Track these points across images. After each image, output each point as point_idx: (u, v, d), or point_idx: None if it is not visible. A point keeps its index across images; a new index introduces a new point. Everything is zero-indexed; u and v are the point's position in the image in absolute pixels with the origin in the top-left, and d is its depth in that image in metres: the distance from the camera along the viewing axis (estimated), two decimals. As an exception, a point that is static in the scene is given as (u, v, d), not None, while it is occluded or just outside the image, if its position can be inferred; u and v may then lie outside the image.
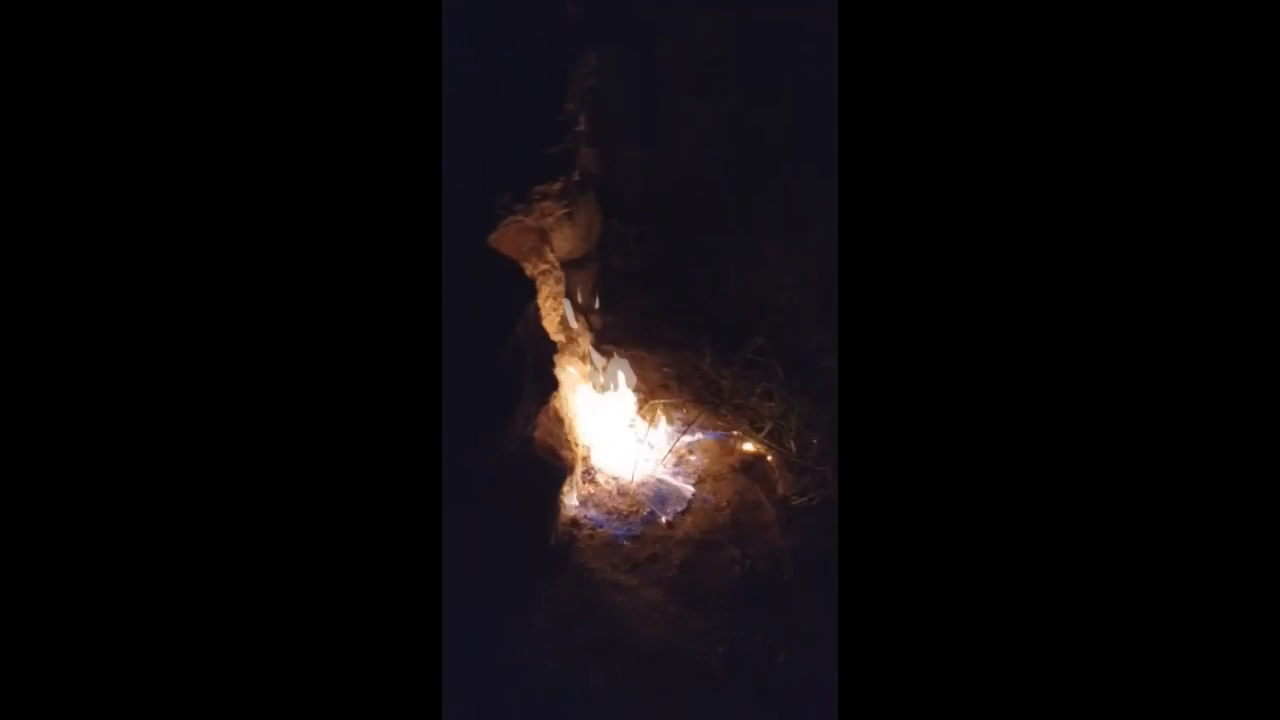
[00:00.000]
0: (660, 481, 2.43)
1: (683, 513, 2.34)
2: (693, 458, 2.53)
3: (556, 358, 2.32)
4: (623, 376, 2.61)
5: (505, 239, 2.18)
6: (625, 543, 2.22)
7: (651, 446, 2.52)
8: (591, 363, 2.60)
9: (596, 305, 2.93)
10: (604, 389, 2.61)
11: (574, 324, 2.62)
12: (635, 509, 2.34)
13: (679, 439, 2.55)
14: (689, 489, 2.42)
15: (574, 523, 2.26)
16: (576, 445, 2.37)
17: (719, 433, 2.62)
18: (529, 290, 2.11)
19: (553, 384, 2.23)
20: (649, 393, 2.74)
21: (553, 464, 2.15)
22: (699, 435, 2.60)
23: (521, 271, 2.15)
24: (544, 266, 2.38)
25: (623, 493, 2.39)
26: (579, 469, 2.37)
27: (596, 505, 2.34)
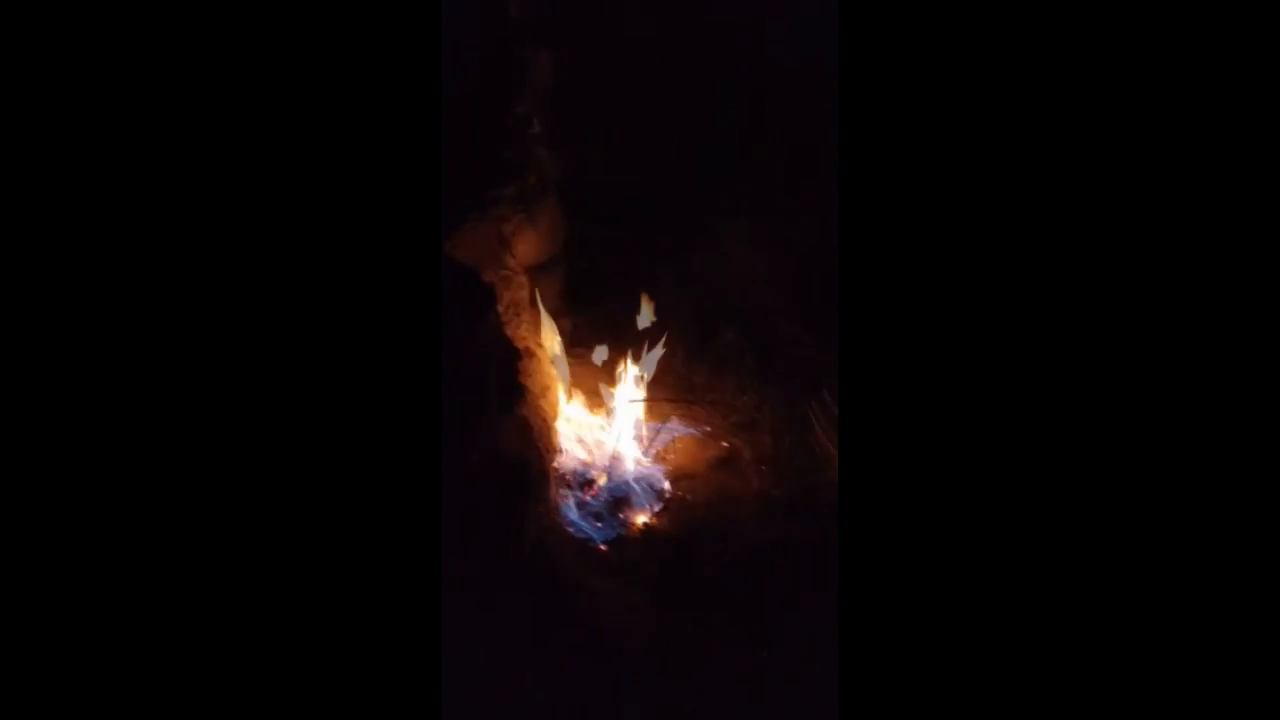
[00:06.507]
0: (636, 481, 2.39)
1: (660, 512, 2.31)
2: (669, 456, 2.50)
3: (522, 364, 2.29)
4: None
5: (460, 245, 2.14)
6: (602, 545, 2.19)
7: (626, 447, 2.48)
8: (559, 368, 2.56)
9: (564, 308, 2.89)
10: (573, 393, 2.58)
11: (543, 328, 2.58)
12: (611, 511, 2.31)
13: (654, 438, 2.52)
14: (666, 487, 2.38)
15: (548, 528, 2.22)
16: (548, 450, 2.34)
17: (694, 429, 2.58)
18: (487, 296, 2.07)
19: (519, 391, 2.20)
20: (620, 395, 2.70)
21: (522, 470, 2.12)
22: (675, 433, 2.57)
23: (478, 278, 2.12)
24: (504, 272, 2.34)
25: (598, 495, 2.36)
26: (552, 474, 2.33)
27: (571, 509, 2.30)
